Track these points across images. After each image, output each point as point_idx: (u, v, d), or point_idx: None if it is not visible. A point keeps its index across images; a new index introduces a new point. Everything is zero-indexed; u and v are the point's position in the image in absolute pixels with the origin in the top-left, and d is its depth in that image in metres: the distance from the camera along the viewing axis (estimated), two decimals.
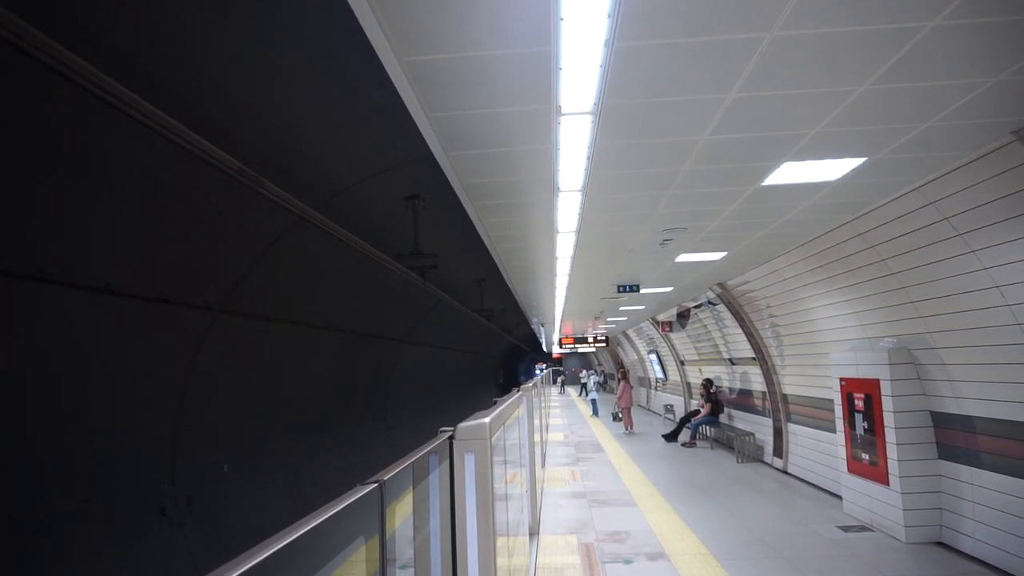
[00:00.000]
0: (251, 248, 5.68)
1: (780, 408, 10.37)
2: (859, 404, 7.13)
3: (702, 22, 2.70)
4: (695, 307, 13.60)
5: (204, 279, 5.37)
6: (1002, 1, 2.62)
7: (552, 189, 5.09)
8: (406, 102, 3.37)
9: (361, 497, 1.33)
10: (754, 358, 11.08)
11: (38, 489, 4.28)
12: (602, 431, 16.79)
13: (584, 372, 37.97)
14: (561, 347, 28.13)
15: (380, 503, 1.45)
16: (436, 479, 2.21)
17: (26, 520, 4.14)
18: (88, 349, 4.48)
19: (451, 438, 2.38)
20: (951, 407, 6.06)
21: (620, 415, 17.15)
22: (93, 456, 4.73)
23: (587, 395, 33.15)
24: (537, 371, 47.65)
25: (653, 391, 23.09)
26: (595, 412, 21.46)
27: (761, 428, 11.45)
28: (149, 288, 4.77)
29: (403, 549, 1.97)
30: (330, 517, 1.14)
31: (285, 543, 0.95)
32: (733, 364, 12.81)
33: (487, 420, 2.54)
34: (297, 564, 1.02)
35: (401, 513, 1.88)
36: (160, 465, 5.47)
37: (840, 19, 2.70)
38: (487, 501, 2.47)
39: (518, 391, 6.21)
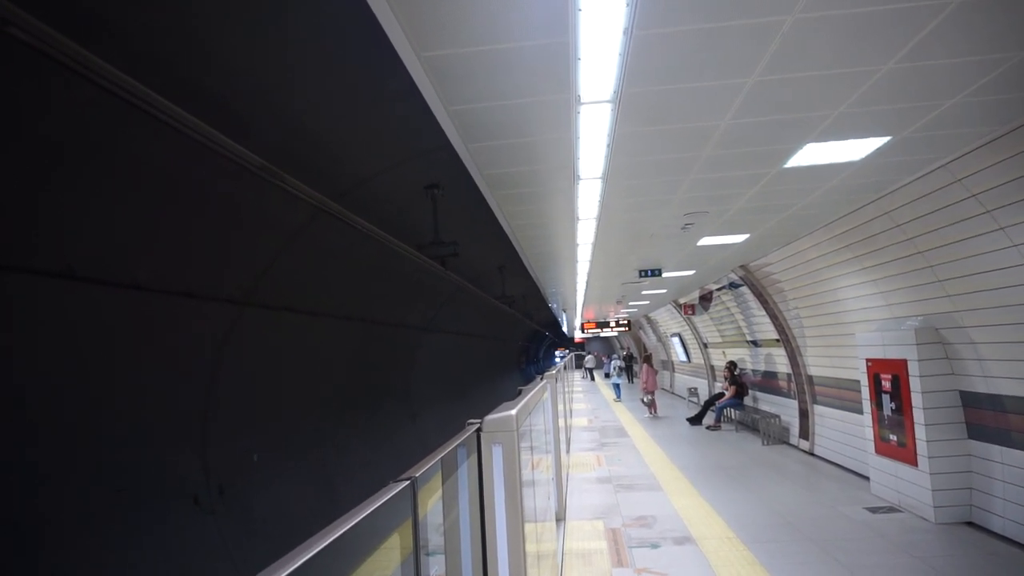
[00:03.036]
0: (273, 241, 5.74)
1: (805, 390, 10.30)
2: (886, 385, 7.06)
3: (721, 7, 2.66)
4: (718, 290, 13.51)
5: (228, 273, 5.44)
6: None
7: (572, 177, 5.08)
8: (424, 95, 3.38)
9: (395, 494, 1.36)
10: (778, 340, 10.99)
11: (74, 479, 4.40)
12: (626, 415, 16.80)
13: (592, 358, 38.07)
14: (583, 332, 28.06)
15: (412, 499, 1.48)
16: (465, 472, 2.24)
17: (63, 509, 4.27)
18: (118, 344, 4.58)
19: (479, 431, 2.40)
20: (980, 386, 5.97)
21: (649, 401, 16.60)
22: (128, 448, 4.85)
23: (592, 379, 33.40)
24: (558, 357, 47.53)
25: (674, 374, 23.06)
26: (618, 396, 21.52)
27: (786, 410, 11.38)
28: (176, 283, 4.85)
29: (435, 539, 2.01)
30: (367, 515, 1.18)
31: (326, 543, 0.98)
32: (757, 346, 12.72)
33: (514, 412, 2.56)
34: (337, 562, 1.06)
35: (432, 505, 1.92)
36: (192, 455, 5.59)
37: None
38: (515, 491, 2.50)
39: (542, 379, 6.23)
